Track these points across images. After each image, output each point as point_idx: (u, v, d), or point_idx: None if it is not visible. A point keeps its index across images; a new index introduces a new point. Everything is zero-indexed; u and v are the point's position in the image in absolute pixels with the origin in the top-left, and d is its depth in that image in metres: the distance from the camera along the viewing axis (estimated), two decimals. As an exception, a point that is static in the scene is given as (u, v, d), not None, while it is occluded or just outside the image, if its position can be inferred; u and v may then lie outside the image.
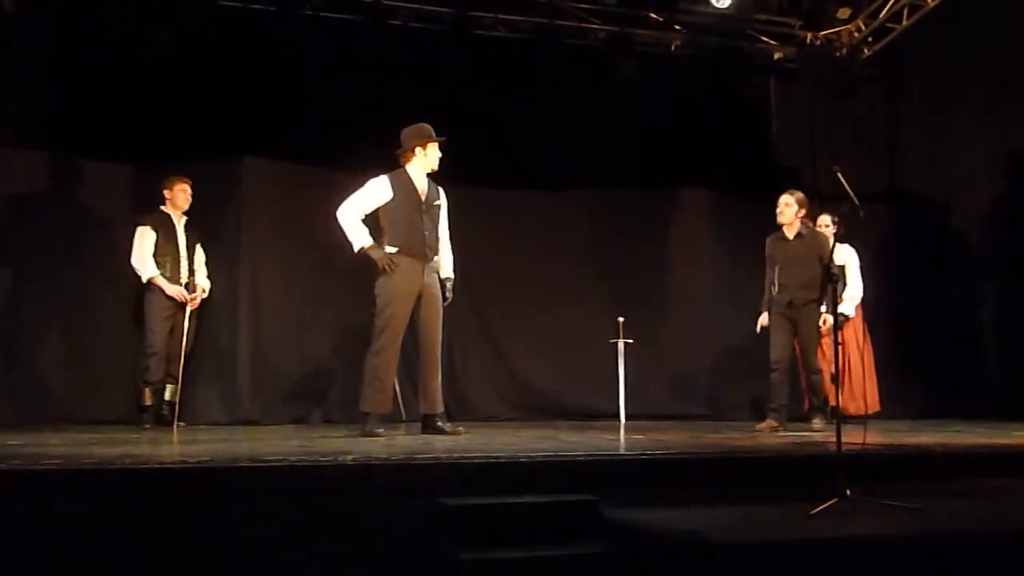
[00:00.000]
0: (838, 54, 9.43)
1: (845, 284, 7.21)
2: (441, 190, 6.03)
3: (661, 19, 8.99)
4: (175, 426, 6.71)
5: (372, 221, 5.87)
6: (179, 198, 7.02)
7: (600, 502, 3.91)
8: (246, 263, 7.54)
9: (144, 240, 6.90)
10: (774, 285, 6.81)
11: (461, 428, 6.02)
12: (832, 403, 6.64)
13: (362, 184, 5.87)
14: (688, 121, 9.07)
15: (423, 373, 5.93)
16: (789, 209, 6.78)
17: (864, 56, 9.42)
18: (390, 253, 5.75)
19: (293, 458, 4.09)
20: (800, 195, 6.84)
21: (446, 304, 6.00)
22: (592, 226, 8.65)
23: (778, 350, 6.76)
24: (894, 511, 3.89)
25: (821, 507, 3.79)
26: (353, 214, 5.78)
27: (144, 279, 6.89)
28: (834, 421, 4.40)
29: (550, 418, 7.95)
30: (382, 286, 5.75)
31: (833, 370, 4.63)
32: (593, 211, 8.66)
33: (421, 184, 5.89)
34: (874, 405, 7.42)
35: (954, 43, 8.88)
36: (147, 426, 6.71)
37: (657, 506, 3.88)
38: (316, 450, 4.56)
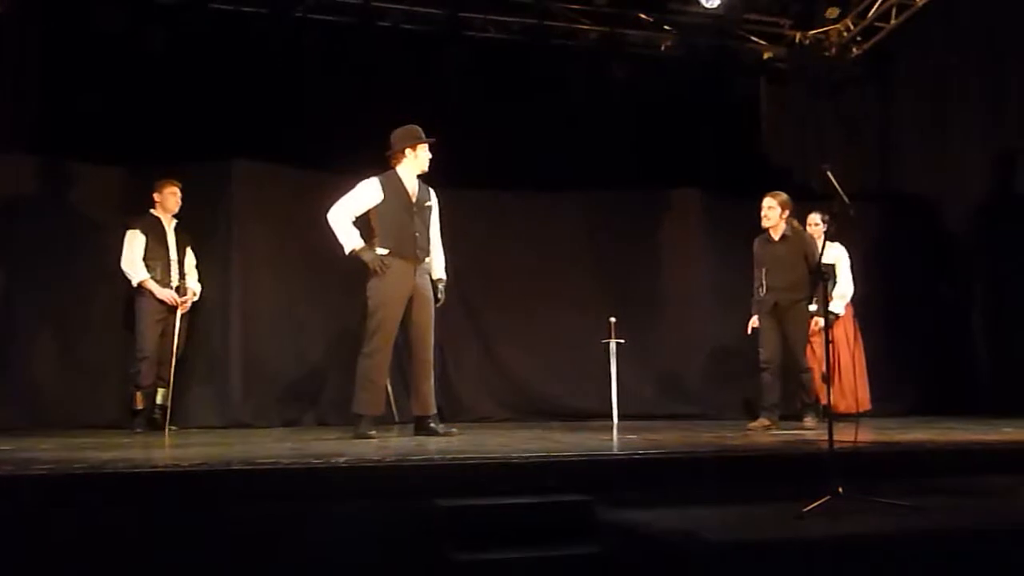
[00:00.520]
0: (827, 54, 9.45)
1: (835, 283, 7.23)
2: (432, 191, 6.03)
3: (651, 20, 9.00)
4: (167, 430, 6.70)
5: (363, 223, 5.86)
6: (169, 201, 7.00)
7: (594, 502, 3.92)
8: (237, 266, 7.53)
9: (134, 244, 6.88)
10: (762, 287, 6.83)
11: (454, 429, 6.02)
12: (823, 402, 6.65)
13: (353, 186, 5.87)
14: (679, 121, 9.07)
15: (415, 375, 5.93)
16: (773, 212, 6.79)
17: (853, 55, 9.44)
18: (381, 255, 5.74)
19: (286, 461, 4.09)
20: (783, 196, 6.85)
21: (438, 306, 6.00)
22: (584, 227, 8.65)
23: (768, 350, 6.77)
24: (886, 508, 3.90)
25: (814, 505, 3.81)
26: (344, 216, 5.78)
27: (134, 283, 6.87)
28: (826, 420, 4.41)
29: (543, 419, 7.94)
30: (373, 288, 5.75)
31: (824, 369, 4.63)
32: (584, 212, 8.66)
33: (411, 185, 5.89)
34: (865, 403, 7.43)
35: (943, 42, 8.91)
36: (139, 430, 6.70)
37: (650, 506, 3.89)
38: (309, 452, 4.56)
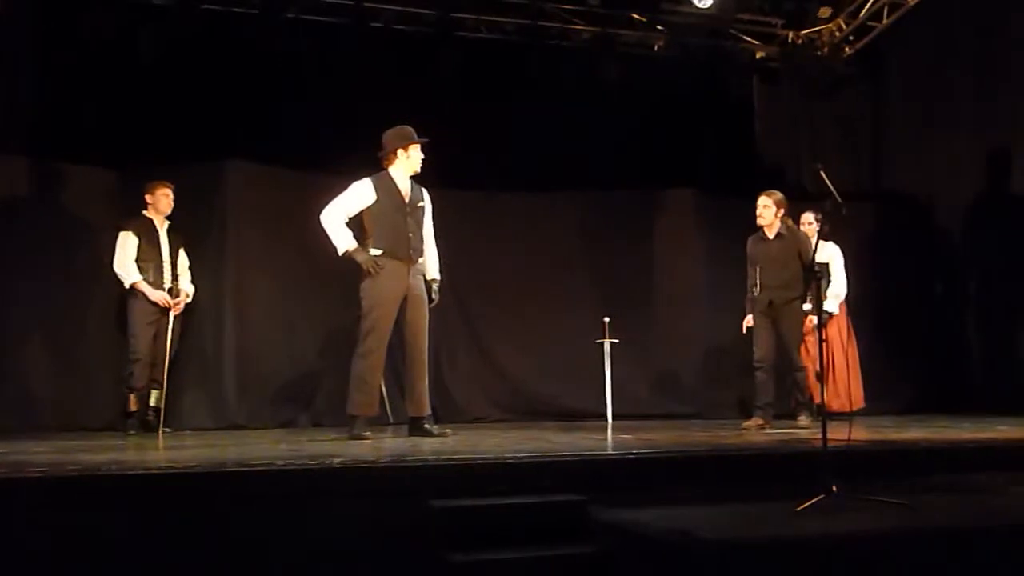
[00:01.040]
0: (820, 53, 9.46)
1: (829, 282, 7.25)
2: (425, 191, 6.02)
3: (644, 20, 9.00)
4: (161, 432, 6.69)
5: (356, 224, 5.86)
6: (161, 203, 6.98)
7: (588, 502, 3.92)
8: (230, 267, 7.52)
9: (126, 245, 6.86)
10: (756, 285, 6.84)
11: (448, 430, 6.02)
12: (817, 400, 6.67)
13: (346, 187, 5.86)
14: (672, 121, 9.08)
15: (409, 375, 5.93)
16: (768, 211, 6.80)
17: (846, 55, 9.46)
18: (375, 256, 5.74)
19: (280, 462, 4.08)
20: (778, 195, 6.86)
21: (433, 306, 6.00)
22: (577, 227, 8.65)
23: (761, 348, 6.78)
24: (880, 506, 3.91)
25: (808, 503, 3.81)
26: (337, 217, 5.78)
27: (127, 284, 6.86)
28: (820, 418, 4.42)
29: (537, 419, 7.95)
30: (367, 289, 5.75)
31: (818, 367, 4.64)
32: (579, 212, 8.67)
33: (404, 186, 5.89)
34: (858, 402, 7.44)
35: (935, 41, 8.93)
36: (132, 432, 6.68)
37: (645, 505, 3.89)
38: (304, 454, 4.55)
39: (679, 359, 8.60)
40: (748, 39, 9.46)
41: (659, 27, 9.05)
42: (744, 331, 7.02)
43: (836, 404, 7.19)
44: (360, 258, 5.72)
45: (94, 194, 7.43)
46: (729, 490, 4.22)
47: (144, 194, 6.99)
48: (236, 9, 7.93)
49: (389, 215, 5.80)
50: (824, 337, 4.51)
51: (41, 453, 4.83)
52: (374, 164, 5.94)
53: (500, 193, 8.45)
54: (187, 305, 7.09)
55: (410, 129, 5.89)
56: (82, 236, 7.30)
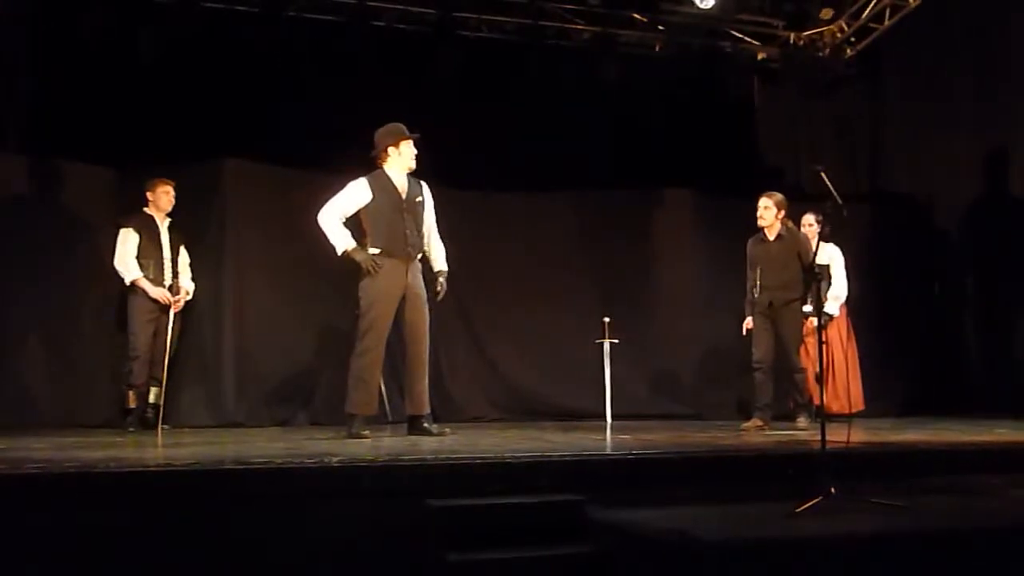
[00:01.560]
0: (821, 54, 9.46)
1: (830, 283, 7.24)
2: (424, 185, 6.01)
3: (645, 20, 9.00)
4: (159, 429, 6.68)
5: (354, 223, 5.86)
6: (162, 200, 6.99)
7: (586, 502, 3.92)
8: (230, 265, 7.52)
9: (127, 242, 6.86)
10: (755, 287, 6.84)
11: (447, 429, 6.02)
12: (816, 402, 6.66)
13: (345, 185, 5.86)
14: (672, 121, 9.07)
15: (409, 374, 5.92)
16: (768, 212, 6.80)
17: (847, 56, 9.46)
18: (373, 254, 5.74)
19: (279, 460, 4.08)
20: (779, 197, 6.86)
21: (439, 298, 5.99)
22: (577, 226, 8.65)
23: (760, 349, 6.78)
24: (879, 509, 3.91)
25: (806, 505, 3.81)
26: (334, 217, 5.78)
27: (127, 281, 6.86)
28: (819, 420, 4.42)
29: (536, 419, 7.94)
30: (365, 288, 5.75)
31: (817, 369, 4.64)
32: (578, 211, 8.66)
33: (401, 183, 5.88)
34: (858, 404, 7.44)
35: (936, 43, 8.93)
36: (131, 429, 6.68)
37: (643, 506, 3.89)
38: (302, 452, 4.55)
39: (678, 359, 8.60)
40: (749, 40, 9.46)
41: (660, 27, 9.04)
42: (744, 333, 7.01)
43: (836, 406, 7.18)
44: (358, 257, 5.73)
45: (94, 192, 7.43)
46: (727, 491, 4.21)
47: (145, 191, 6.99)
48: (238, 7, 7.92)
49: (386, 214, 5.80)
50: (824, 339, 4.50)
51: (40, 450, 4.83)
52: (374, 163, 5.93)
53: (500, 193, 8.44)
54: (186, 303, 7.09)
55: (400, 126, 5.88)
56: (81, 234, 7.30)
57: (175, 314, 6.95)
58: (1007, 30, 8.31)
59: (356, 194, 5.82)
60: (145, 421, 6.83)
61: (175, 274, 7.00)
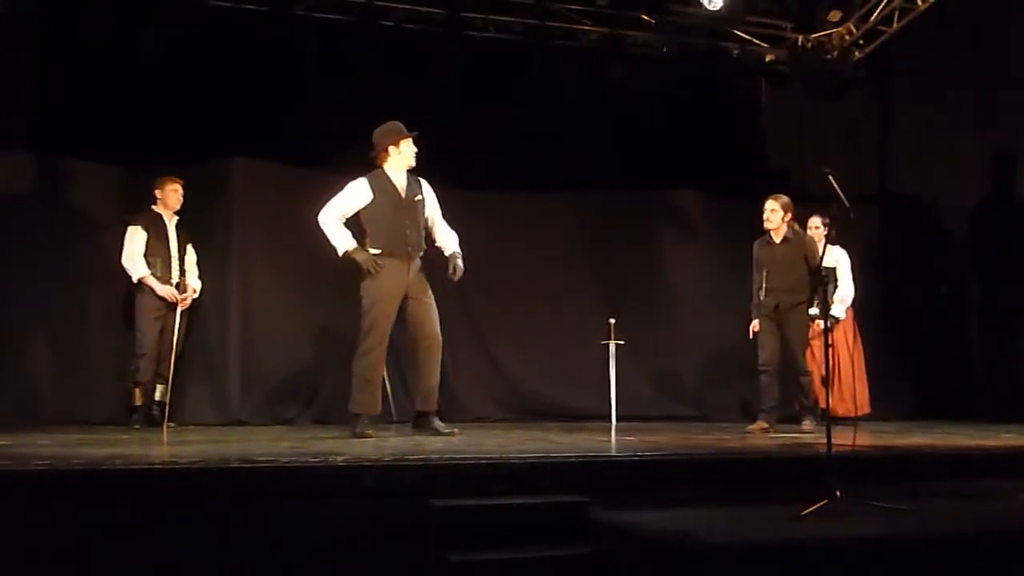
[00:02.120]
0: (829, 56, 9.44)
1: (836, 286, 7.22)
2: (423, 182, 5.99)
3: (652, 21, 8.99)
4: (165, 427, 6.69)
5: (353, 223, 5.86)
6: (170, 198, 7.01)
7: (590, 503, 3.91)
8: (236, 263, 7.53)
9: (135, 240, 6.89)
10: (761, 289, 6.82)
11: (456, 429, 6.01)
12: (822, 405, 6.64)
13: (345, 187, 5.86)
14: (679, 122, 9.05)
15: (419, 371, 5.88)
16: (775, 215, 6.78)
17: (855, 58, 9.43)
18: (373, 255, 5.74)
19: (284, 459, 4.08)
20: (785, 199, 6.84)
21: (457, 277, 5.96)
22: (582, 227, 8.64)
23: (766, 352, 6.76)
24: (884, 512, 3.90)
25: (811, 508, 3.80)
26: (334, 218, 5.79)
27: (135, 279, 6.88)
28: (824, 422, 4.41)
29: (540, 419, 7.94)
30: (367, 288, 5.75)
31: (823, 372, 4.63)
32: (583, 212, 8.66)
33: (400, 182, 5.88)
34: (864, 406, 7.42)
35: (944, 46, 8.90)
36: (137, 427, 6.70)
37: (647, 507, 3.89)
38: (306, 451, 4.56)
39: (683, 361, 8.59)
40: (757, 42, 9.44)
41: (667, 28, 9.03)
42: (751, 336, 6.99)
43: (842, 409, 7.18)
44: (359, 258, 5.73)
45: (101, 190, 7.44)
46: (732, 493, 4.21)
47: (154, 189, 7.01)
48: (245, 6, 7.93)
49: (386, 213, 5.79)
50: (830, 342, 4.49)
51: (45, 447, 4.84)
52: (373, 163, 5.93)
53: (505, 193, 8.43)
54: (193, 301, 7.11)
55: (399, 124, 5.87)
56: (89, 232, 7.32)
57: (182, 312, 6.96)
58: (1013, 31, 8.29)
59: (356, 194, 5.81)
60: (151, 419, 6.84)
61: (182, 272, 7.02)
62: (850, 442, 4.65)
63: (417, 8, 8.35)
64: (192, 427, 6.94)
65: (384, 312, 5.73)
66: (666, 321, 8.61)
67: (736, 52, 9.25)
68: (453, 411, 7.80)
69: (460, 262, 5.97)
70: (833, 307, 6.97)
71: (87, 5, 7.49)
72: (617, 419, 7.70)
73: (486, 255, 8.14)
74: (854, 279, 7.38)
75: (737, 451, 5.08)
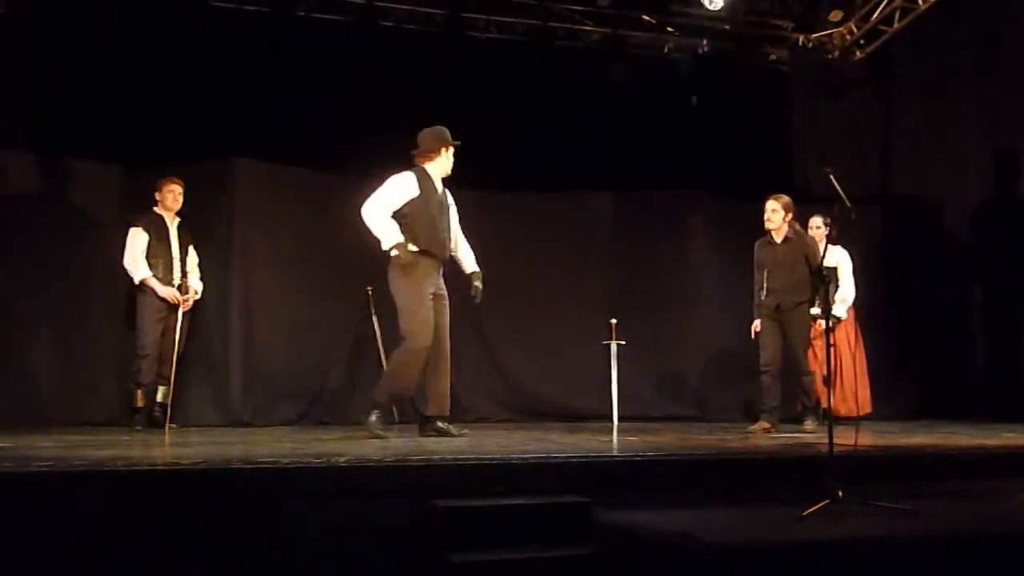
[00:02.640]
0: (830, 56, 9.44)
1: (837, 286, 7.21)
2: (448, 192, 6.03)
3: (654, 21, 8.99)
4: (167, 428, 6.70)
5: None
6: (168, 199, 7.01)
7: (592, 504, 3.91)
8: (238, 265, 7.52)
9: (136, 241, 6.89)
10: (763, 289, 6.82)
11: (466, 430, 6.00)
12: (824, 405, 6.65)
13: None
14: (680, 123, 9.06)
15: (434, 374, 5.83)
16: (776, 215, 6.78)
17: (856, 58, 9.43)
18: (414, 252, 5.68)
19: (286, 460, 4.08)
20: (786, 199, 6.84)
21: (478, 300, 5.99)
22: (585, 228, 8.64)
23: (768, 352, 6.76)
24: (886, 512, 3.90)
25: (813, 508, 3.80)
26: (381, 211, 5.67)
27: (136, 280, 6.88)
28: (826, 423, 4.41)
29: (542, 420, 7.94)
30: (405, 287, 5.66)
31: (825, 372, 4.63)
32: (586, 213, 8.66)
33: (439, 185, 5.87)
34: (865, 407, 7.41)
35: (945, 45, 8.90)
36: (139, 428, 6.70)
37: (649, 508, 3.88)
38: (309, 452, 4.56)
39: (684, 361, 8.59)
40: (758, 42, 9.44)
41: (669, 29, 9.03)
42: (753, 336, 6.99)
43: (844, 409, 7.17)
44: (404, 254, 5.63)
45: (102, 190, 7.44)
46: (734, 494, 4.21)
47: (154, 191, 7.01)
48: (247, 7, 7.93)
49: (428, 212, 5.74)
50: (832, 342, 4.49)
51: (47, 448, 4.84)
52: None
53: (507, 194, 8.43)
54: (195, 302, 7.11)
55: (447, 130, 5.87)
56: (89, 232, 7.32)
57: (183, 313, 6.97)
58: (1016, 32, 8.28)
59: (404, 188, 5.71)
60: (153, 420, 6.85)
61: (184, 273, 7.03)
62: (852, 442, 4.64)
63: (417, 8, 8.36)
64: (194, 428, 6.95)
65: (431, 309, 5.67)
66: (667, 321, 8.61)
67: (737, 52, 9.25)
68: (454, 411, 7.74)
69: (480, 283, 5.96)
70: (834, 307, 6.96)
71: (88, 5, 7.50)
72: (618, 419, 7.70)
73: (488, 255, 8.13)
74: (855, 279, 7.38)
75: (739, 451, 5.08)
